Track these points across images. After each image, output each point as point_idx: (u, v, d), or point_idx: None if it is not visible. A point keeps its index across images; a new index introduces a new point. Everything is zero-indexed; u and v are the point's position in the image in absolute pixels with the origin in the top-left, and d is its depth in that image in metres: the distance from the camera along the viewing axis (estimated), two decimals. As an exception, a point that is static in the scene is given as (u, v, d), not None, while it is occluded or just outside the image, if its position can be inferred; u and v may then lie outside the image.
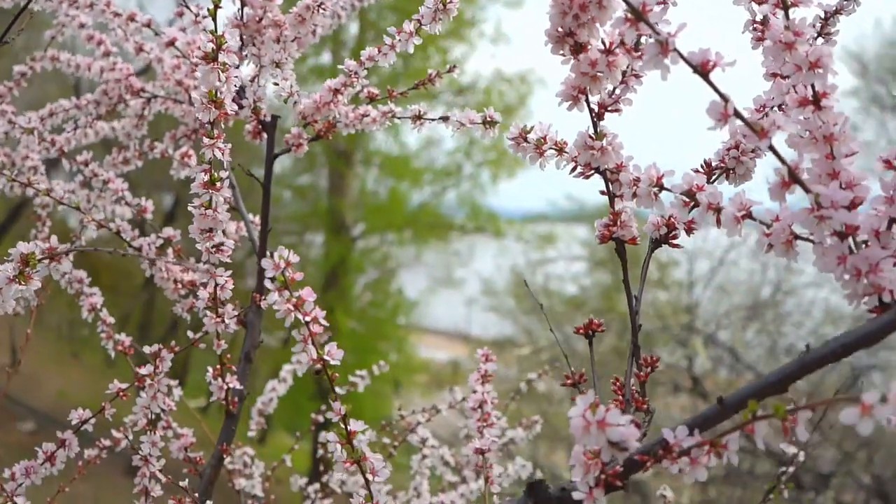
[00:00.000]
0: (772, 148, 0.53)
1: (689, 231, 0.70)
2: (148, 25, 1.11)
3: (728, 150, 0.71)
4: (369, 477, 0.66)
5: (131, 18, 1.10)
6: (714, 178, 0.71)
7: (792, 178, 0.53)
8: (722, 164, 0.71)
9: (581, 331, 0.67)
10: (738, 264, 7.24)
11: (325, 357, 0.65)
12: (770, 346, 6.58)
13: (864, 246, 0.54)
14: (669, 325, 6.94)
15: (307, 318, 0.64)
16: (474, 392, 0.98)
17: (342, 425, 0.66)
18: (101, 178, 1.14)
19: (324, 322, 0.65)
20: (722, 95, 0.53)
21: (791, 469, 1.13)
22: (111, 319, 1.12)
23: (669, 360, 6.41)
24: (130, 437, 1.15)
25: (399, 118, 0.99)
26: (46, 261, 0.68)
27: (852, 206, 0.55)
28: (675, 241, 0.70)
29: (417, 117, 0.97)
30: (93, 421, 0.94)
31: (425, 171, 11.65)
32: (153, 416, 0.94)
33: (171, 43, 1.02)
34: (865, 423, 0.41)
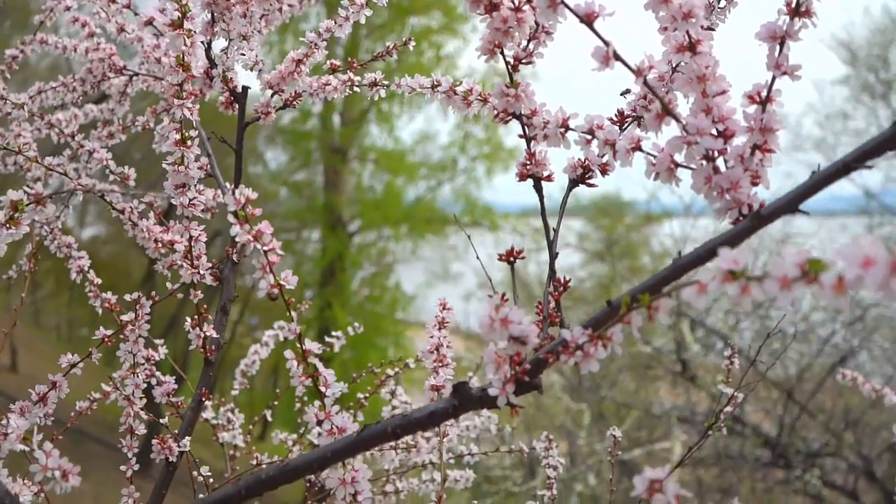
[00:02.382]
0: (646, 84, 0.62)
1: (603, 172, 0.79)
2: (128, 6, 1.20)
3: (639, 99, 0.80)
4: (322, 389, 0.75)
5: (112, 0, 1.19)
6: (626, 124, 0.80)
7: (665, 111, 0.62)
8: (633, 113, 0.80)
9: (503, 258, 0.76)
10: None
11: (282, 282, 0.74)
12: (758, 330, 6.68)
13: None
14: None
15: (266, 248, 0.73)
16: (431, 337, 1.07)
17: (298, 344, 0.75)
18: (86, 148, 1.23)
19: (280, 252, 0.74)
20: (605, 41, 0.62)
21: (729, 409, 1.22)
22: (98, 280, 1.21)
23: (658, 344, 6.51)
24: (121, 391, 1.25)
25: (357, 86, 1.08)
26: (33, 205, 0.77)
27: (725, 136, 0.64)
28: (590, 182, 0.79)
29: (374, 84, 1.06)
30: (81, 364, 1.03)
31: (420, 165, 11.75)
32: (136, 361, 1.03)
33: (149, 22, 1.10)
34: (701, 299, 0.50)
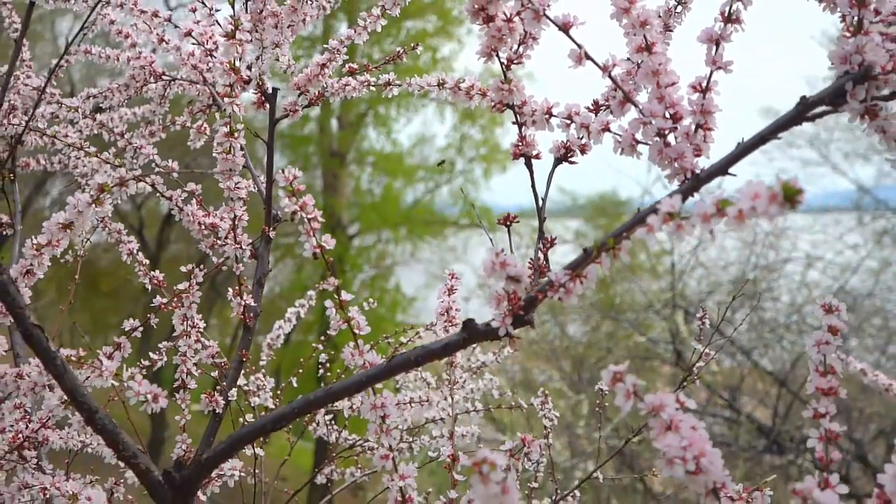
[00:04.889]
0: (611, 78, 0.79)
1: (582, 152, 0.96)
2: (168, 20, 1.37)
3: (609, 91, 0.97)
4: (356, 331, 0.92)
5: (155, 15, 1.36)
6: (600, 112, 0.97)
7: (626, 98, 0.79)
8: (606, 102, 0.97)
9: (501, 222, 0.93)
10: (723, 245, 7.53)
11: (323, 244, 0.91)
12: (753, 322, 6.85)
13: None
14: (659, 310, 7.20)
15: (309, 217, 0.90)
16: (441, 301, 1.24)
17: (336, 295, 0.92)
18: (133, 145, 1.40)
19: (321, 219, 0.91)
20: (578, 45, 0.79)
21: (703, 364, 1.39)
22: (146, 261, 1.38)
23: (654, 335, 6.68)
24: (164, 360, 1.43)
25: (373, 86, 1.25)
26: (117, 187, 0.94)
27: (675, 118, 0.81)
28: (572, 159, 0.96)
29: (388, 84, 1.23)
30: (140, 328, 1.20)
31: (418, 168, 11.93)
32: (189, 325, 1.20)
33: (188, 33, 1.28)
34: (651, 239, 0.67)
